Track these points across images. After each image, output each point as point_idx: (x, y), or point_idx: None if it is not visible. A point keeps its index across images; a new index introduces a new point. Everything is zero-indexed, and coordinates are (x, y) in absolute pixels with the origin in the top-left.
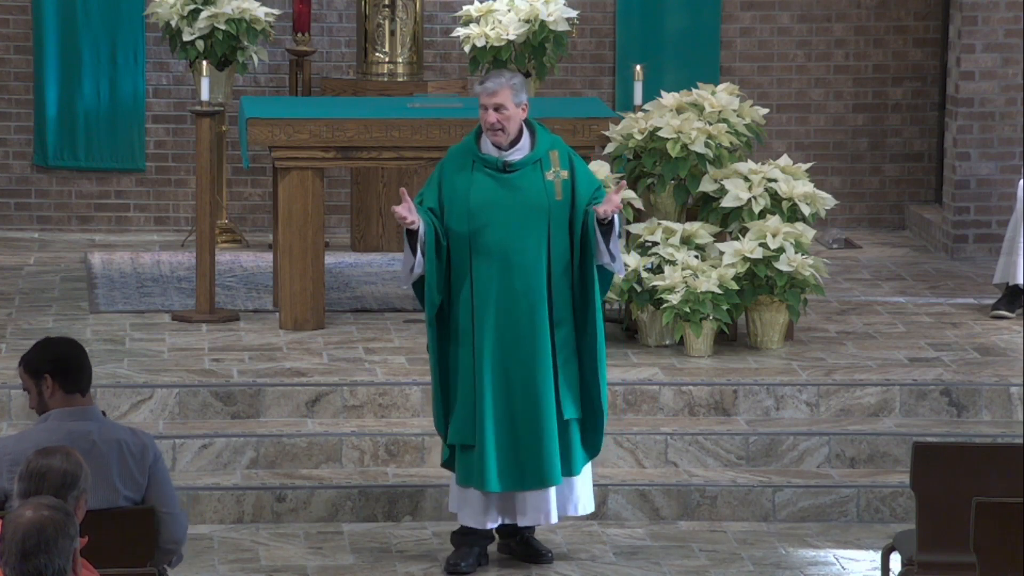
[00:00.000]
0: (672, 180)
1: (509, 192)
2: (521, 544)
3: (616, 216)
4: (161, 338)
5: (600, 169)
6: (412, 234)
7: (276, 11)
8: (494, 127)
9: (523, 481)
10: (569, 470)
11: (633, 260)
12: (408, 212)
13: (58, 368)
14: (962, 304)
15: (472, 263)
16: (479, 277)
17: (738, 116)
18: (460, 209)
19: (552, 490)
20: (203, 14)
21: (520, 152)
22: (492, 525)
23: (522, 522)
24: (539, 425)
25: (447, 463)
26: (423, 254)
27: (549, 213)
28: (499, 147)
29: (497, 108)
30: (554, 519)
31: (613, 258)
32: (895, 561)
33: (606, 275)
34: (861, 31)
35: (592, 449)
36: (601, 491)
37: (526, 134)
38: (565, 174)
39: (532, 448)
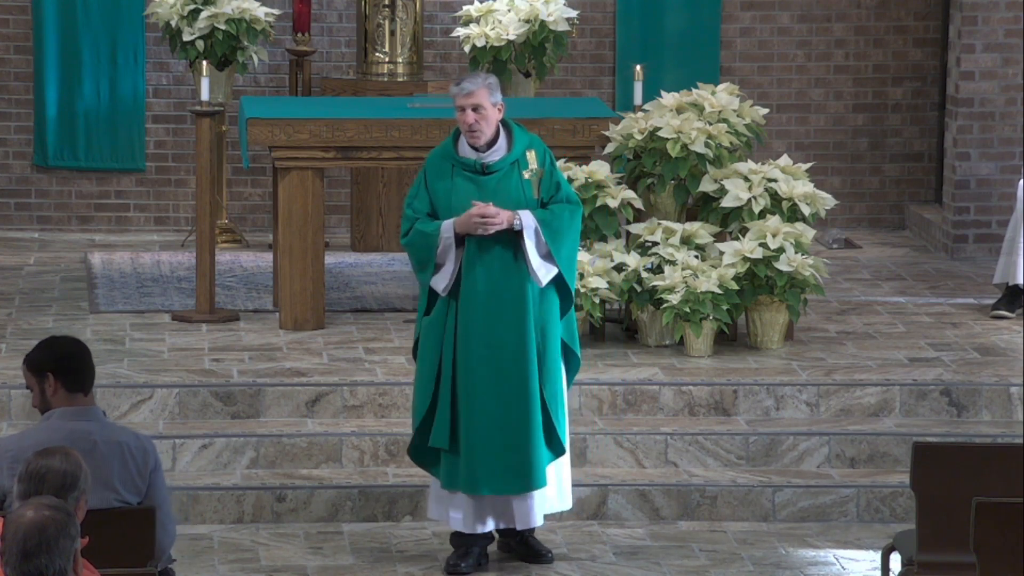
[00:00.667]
0: (672, 180)
1: (488, 195)
2: (521, 544)
3: (527, 221)
4: (161, 338)
5: (600, 169)
6: (459, 242)
7: (276, 11)
8: (472, 128)
9: (509, 485)
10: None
11: (633, 260)
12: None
13: (61, 367)
14: (962, 304)
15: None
16: (462, 281)
17: (738, 116)
18: (443, 214)
19: (537, 492)
20: (203, 14)
21: (497, 153)
22: (483, 529)
23: (518, 526)
24: (527, 428)
25: (426, 463)
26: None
27: (528, 209)
28: (476, 148)
29: (475, 108)
30: (540, 521)
31: (548, 269)
32: (895, 561)
33: (563, 289)
34: (861, 31)
35: (557, 448)
36: (601, 491)
37: (503, 135)
38: (542, 172)
39: (520, 451)
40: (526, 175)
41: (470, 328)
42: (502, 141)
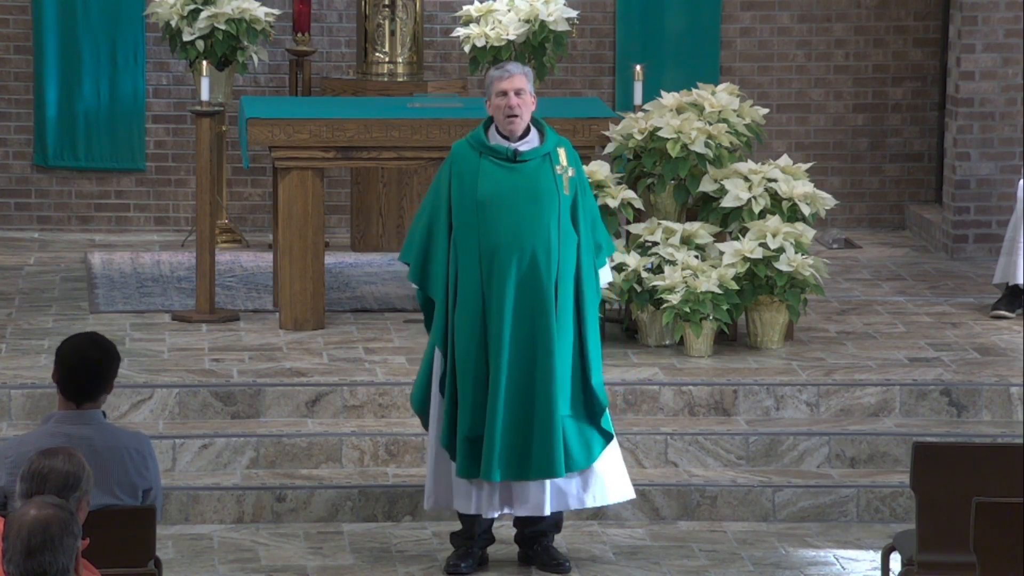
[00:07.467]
0: (672, 180)
1: (519, 180)
2: (542, 552)
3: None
4: (161, 338)
5: (600, 169)
6: None
7: (276, 11)
8: (513, 111)
9: (527, 471)
10: (570, 465)
11: (633, 260)
12: None
13: (65, 375)
14: (962, 304)
15: (481, 253)
16: (490, 266)
17: (738, 116)
18: (468, 199)
19: (549, 483)
20: (203, 14)
21: (529, 144)
22: (492, 514)
23: (520, 512)
24: (551, 415)
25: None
26: None
27: (559, 203)
28: (511, 136)
29: (518, 92)
30: (547, 511)
31: None
32: (895, 561)
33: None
34: (861, 31)
35: (598, 442)
36: None
37: (534, 129)
38: (572, 171)
39: (543, 438)
40: (558, 170)
41: (499, 317)
42: (534, 135)
